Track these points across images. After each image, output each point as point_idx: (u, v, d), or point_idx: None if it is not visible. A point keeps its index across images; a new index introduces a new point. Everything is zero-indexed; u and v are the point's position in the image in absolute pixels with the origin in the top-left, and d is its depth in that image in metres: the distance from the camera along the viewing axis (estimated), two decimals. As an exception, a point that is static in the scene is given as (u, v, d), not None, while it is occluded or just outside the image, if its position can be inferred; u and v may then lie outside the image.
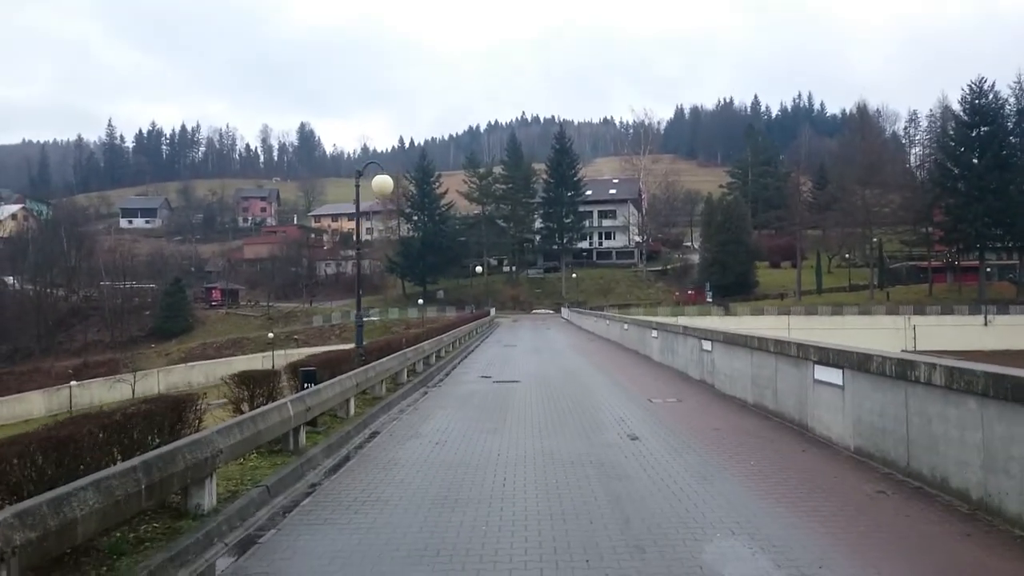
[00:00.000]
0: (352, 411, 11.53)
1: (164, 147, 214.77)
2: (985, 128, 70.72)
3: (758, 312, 69.97)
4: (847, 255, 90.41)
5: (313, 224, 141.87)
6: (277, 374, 10.11)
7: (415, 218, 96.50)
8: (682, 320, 63.79)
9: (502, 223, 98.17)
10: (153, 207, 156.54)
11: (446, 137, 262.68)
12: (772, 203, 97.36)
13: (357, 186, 15.34)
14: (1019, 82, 73.17)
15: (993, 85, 72.28)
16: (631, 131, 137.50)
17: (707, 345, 15.68)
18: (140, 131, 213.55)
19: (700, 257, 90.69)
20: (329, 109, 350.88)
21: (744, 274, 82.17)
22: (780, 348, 10.97)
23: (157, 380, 60.73)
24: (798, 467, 8.14)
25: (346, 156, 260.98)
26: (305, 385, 10.00)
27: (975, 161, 71.01)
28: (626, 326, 29.53)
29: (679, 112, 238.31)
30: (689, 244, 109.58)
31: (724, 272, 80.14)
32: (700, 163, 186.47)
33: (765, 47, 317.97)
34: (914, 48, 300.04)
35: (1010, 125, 72.21)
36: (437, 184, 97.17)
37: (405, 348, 17.72)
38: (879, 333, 64.29)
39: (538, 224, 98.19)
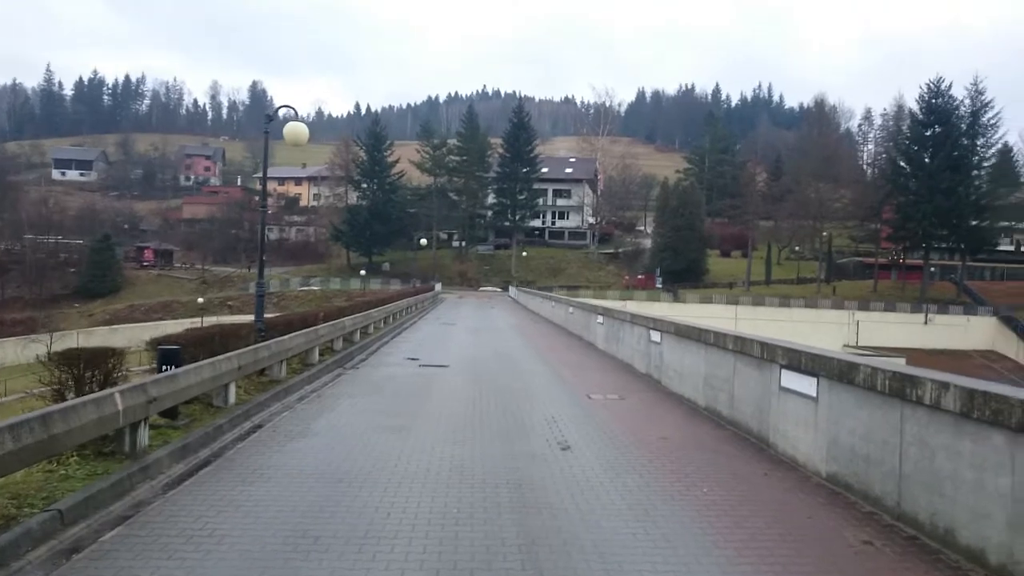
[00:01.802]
0: (232, 399, 9.60)
1: (106, 97, 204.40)
2: (939, 128, 71.14)
3: (707, 300, 69.56)
4: (796, 247, 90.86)
5: (258, 187, 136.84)
6: (121, 353, 8.14)
7: (364, 186, 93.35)
8: (630, 305, 63.00)
9: (454, 196, 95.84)
10: (89, 159, 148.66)
11: (404, 106, 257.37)
12: (727, 191, 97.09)
13: (266, 132, 13.27)
14: (975, 85, 73.70)
15: (950, 86, 72.82)
16: (591, 111, 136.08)
17: (656, 336, 14.14)
18: (80, 79, 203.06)
19: (652, 242, 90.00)
20: (283, 70, 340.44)
21: (695, 261, 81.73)
22: (740, 346, 9.43)
23: (76, 341, 57.21)
24: (762, 499, 6.58)
25: (299, 119, 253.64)
26: (163, 368, 8.05)
27: (927, 160, 71.49)
28: (571, 309, 28.00)
29: (640, 95, 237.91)
30: (642, 228, 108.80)
31: (675, 258, 79.57)
32: (658, 148, 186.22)
33: (728, 36, 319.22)
34: (872, 49, 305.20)
35: (963, 127, 72.74)
36: (389, 152, 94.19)
37: (321, 323, 15.76)
38: (824, 327, 64.69)
39: (491, 199, 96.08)
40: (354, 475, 6.89)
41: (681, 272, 79.18)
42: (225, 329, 11.44)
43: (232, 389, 9.64)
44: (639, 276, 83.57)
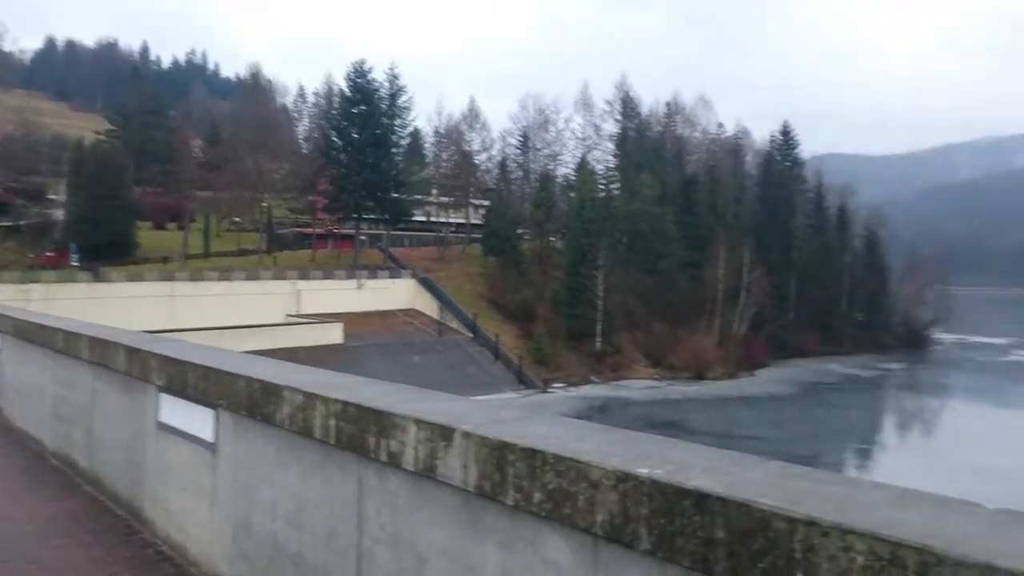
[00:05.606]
0: None
1: None
2: (365, 107, 76.57)
3: (137, 278, 61.65)
4: (236, 219, 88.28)
5: None
6: None
7: None
8: (35, 290, 51.36)
9: None
10: None
11: None
12: (160, 158, 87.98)
13: None
14: (391, 70, 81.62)
15: (371, 69, 78.85)
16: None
17: (-5, 338, 9.06)
18: None
19: (66, 213, 76.24)
20: None
21: (122, 234, 72.33)
22: (101, 353, 5.55)
23: None
24: None
25: None
26: None
27: (356, 136, 76.29)
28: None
29: (50, 44, 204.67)
30: (56, 197, 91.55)
31: (96, 231, 68.54)
32: (74, 106, 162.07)
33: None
34: (301, 31, 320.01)
35: (384, 107, 79.69)
36: None
37: None
38: (267, 298, 64.09)
39: None
40: None
41: (104, 247, 68.57)
42: None
43: None
44: (48, 253, 69.50)
